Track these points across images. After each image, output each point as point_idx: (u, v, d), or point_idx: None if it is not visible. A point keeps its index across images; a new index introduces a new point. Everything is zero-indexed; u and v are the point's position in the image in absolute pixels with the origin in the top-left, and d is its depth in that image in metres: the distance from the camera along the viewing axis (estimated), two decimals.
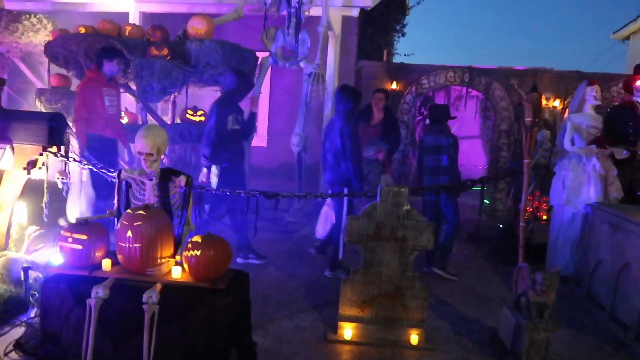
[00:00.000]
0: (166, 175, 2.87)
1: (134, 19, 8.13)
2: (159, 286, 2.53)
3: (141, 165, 2.87)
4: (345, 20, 7.92)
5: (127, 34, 5.99)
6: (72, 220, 3.94)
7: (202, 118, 6.22)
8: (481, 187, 4.59)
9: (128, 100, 7.61)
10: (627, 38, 14.40)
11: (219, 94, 6.64)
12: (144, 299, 2.44)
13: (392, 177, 6.91)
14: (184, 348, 2.55)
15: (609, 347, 3.51)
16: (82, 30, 5.90)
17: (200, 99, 7.15)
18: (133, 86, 6.07)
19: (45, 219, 3.94)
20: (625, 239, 3.73)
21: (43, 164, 3.76)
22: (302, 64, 6.73)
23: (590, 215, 4.43)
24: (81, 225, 2.72)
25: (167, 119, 6.71)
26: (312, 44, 6.72)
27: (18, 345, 2.88)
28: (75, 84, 6.61)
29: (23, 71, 7.48)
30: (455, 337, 3.54)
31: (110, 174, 3.96)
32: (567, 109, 7.57)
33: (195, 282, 2.63)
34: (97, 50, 5.31)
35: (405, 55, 12.34)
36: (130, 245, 2.57)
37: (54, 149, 3.78)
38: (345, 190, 4.55)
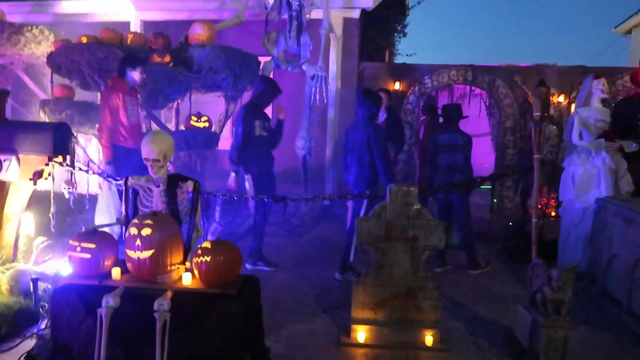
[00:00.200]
0: (173, 182, 2.84)
1: (135, 27, 8.15)
2: (169, 294, 2.50)
3: (149, 172, 2.84)
4: (346, 22, 7.92)
5: (129, 42, 6.00)
6: None
7: (207, 124, 6.21)
8: (491, 184, 4.56)
9: None
10: (629, 32, 14.34)
11: (222, 100, 6.67)
12: (155, 307, 2.41)
13: (398, 178, 6.88)
14: (196, 356, 2.51)
15: (627, 342, 3.45)
16: (84, 40, 5.91)
17: (204, 105, 7.14)
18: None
19: (53, 230, 3.92)
20: (639, 233, 3.67)
21: (49, 174, 3.75)
22: (304, 67, 6.71)
23: (602, 210, 4.37)
24: (89, 234, 2.70)
25: (171, 126, 6.69)
26: (314, 47, 6.70)
27: (29, 357, 2.85)
28: (79, 94, 6.63)
29: (26, 83, 7.51)
30: (471, 337, 3.49)
31: (118, 182, 3.94)
32: (573, 104, 7.53)
33: (206, 289, 2.60)
34: (101, 60, 5.34)
35: (407, 55, 12.33)
36: (139, 253, 2.55)
37: (60, 158, 3.76)
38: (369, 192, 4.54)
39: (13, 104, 8.21)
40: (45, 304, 3.27)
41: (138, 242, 2.54)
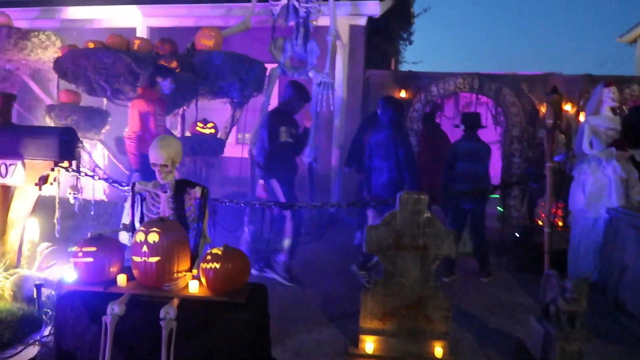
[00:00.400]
0: (181, 187, 2.80)
1: (142, 33, 8.17)
2: (176, 301, 2.45)
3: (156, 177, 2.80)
4: (353, 29, 7.91)
5: (136, 47, 6.00)
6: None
7: (212, 130, 6.18)
8: (501, 193, 4.53)
9: None
10: (634, 41, 14.29)
11: (228, 106, 6.65)
12: (161, 314, 2.36)
13: None
14: None
15: None
16: (91, 45, 5.90)
17: (210, 112, 7.12)
18: None
19: (57, 235, 3.88)
20: None
21: (54, 180, 3.71)
22: (311, 74, 6.69)
23: (614, 220, 4.31)
24: (91, 239, 2.65)
25: (177, 132, 6.67)
26: (321, 54, 6.68)
27: None
28: (85, 99, 6.63)
29: (32, 88, 7.51)
30: (481, 349, 3.42)
31: (123, 188, 3.91)
32: (581, 112, 7.49)
33: (213, 297, 2.54)
34: (107, 65, 5.33)
35: (413, 63, 12.32)
36: (146, 260, 2.50)
37: (66, 163, 3.73)
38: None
39: (19, 109, 8.21)
40: (49, 310, 3.22)
41: (145, 248, 2.49)
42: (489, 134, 9.99)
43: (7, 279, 3.56)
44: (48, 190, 3.73)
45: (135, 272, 2.57)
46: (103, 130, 6.70)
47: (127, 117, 8.00)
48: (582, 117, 7.37)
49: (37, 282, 3.37)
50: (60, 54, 6.22)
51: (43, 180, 3.64)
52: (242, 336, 2.52)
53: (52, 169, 3.66)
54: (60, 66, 5.95)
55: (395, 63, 10.16)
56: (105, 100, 6.44)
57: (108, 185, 5.00)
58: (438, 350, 3.20)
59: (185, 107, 6.58)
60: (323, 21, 6.86)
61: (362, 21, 7.88)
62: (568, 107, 7.85)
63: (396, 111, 4.70)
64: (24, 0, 9.15)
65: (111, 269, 2.62)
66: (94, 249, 2.57)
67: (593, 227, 4.62)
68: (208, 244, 2.89)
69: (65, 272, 2.82)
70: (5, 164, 3.65)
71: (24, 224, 3.85)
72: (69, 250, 2.99)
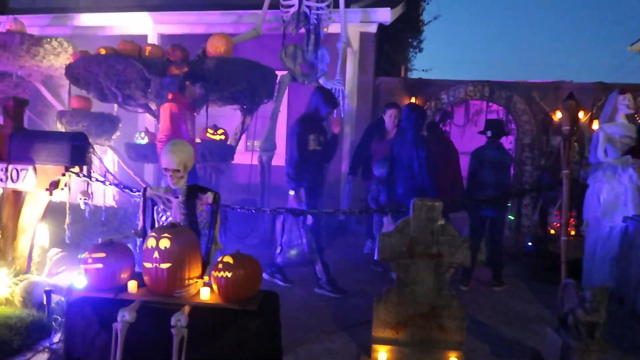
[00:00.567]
0: (193, 192, 2.77)
1: (153, 40, 8.21)
2: (187, 308, 2.41)
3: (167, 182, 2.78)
4: (363, 36, 7.90)
5: (147, 54, 6.00)
6: None
7: (223, 137, 6.16)
8: (517, 201, 4.48)
9: (148, 120, 7.62)
10: None
11: (238, 113, 6.64)
12: (172, 322, 2.32)
13: None
14: None
15: None
16: (103, 52, 5.92)
17: (220, 118, 7.12)
18: (153, 106, 6.06)
19: (68, 241, 3.86)
20: None
21: (65, 185, 3.70)
22: (321, 81, 6.67)
23: (631, 229, 4.22)
24: (101, 245, 2.62)
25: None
26: (331, 61, 6.67)
27: None
28: (95, 105, 6.64)
29: (44, 95, 7.55)
30: None
31: (134, 194, 3.89)
32: (594, 120, 7.40)
33: (225, 304, 2.50)
34: (119, 71, 5.33)
35: (423, 70, 12.28)
36: (157, 266, 2.47)
37: (77, 169, 3.72)
38: None
39: (30, 115, 8.27)
40: (58, 317, 3.19)
41: (156, 254, 2.46)
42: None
43: (17, 284, 3.55)
44: (59, 195, 3.72)
45: (146, 278, 2.54)
46: (113, 137, 6.71)
47: (137, 123, 8.07)
48: (595, 125, 7.28)
49: (46, 289, 3.35)
50: (72, 60, 6.25)
51: (54, 185, 3.63)
52: (254, 344, 2.47)
53: (63, 174, 3.66)
54: (72, 72, 5.97)
55: (405, 70, 10.14)
56: (115, 107, 6.45)
57: (118, 191, 4.99)
58: None
59: (195, 113, 6.58)
60: (334, 28, 6.86)
61: (373, 28, 7.87)
62: (580, 115, 7.76)
63: (419, 119, 4.71)
64: (37, 7, 9.27)
65: (122, 275, 2.59)
66: (104, 254, 2.54)
67: (609, 236, 4.53)
68: (219, 250, 2.85)
69: (75, 278, 2.80)
70: (17, 169, 3.66)
71: (35, 230, 3.84)
72: (79, 256, 2.96)
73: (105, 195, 4.62)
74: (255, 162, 6.61)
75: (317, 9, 6.33)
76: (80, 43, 7.18)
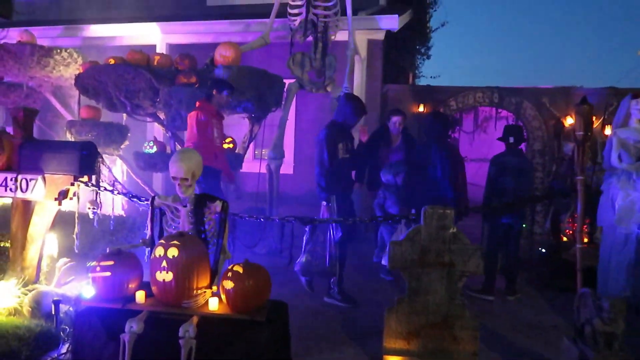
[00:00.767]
0: (201, 201, 2.75)
1: (161, 50, 8.25)
2: (195, 319, 2.38)
3: (176, 191, 2.75)
4: (371, 43, 7.89)
5: (156, 63, 6.04)
6: None
7: (231, 145, 6.16)
8: (528, 208, 4.41)
9: (156, 130, 7.65)
10: None
11: (246, 121, 6.64)
12: (181, 333, 2.29)
13: None
14: None
15: None
16: (112, 61, 5.96)
17: (228, 127, 7.11)
18: (161, 115, 6.07)
19: (76, 251, 3.85)
20: None
21: (74, 194, 3.69)
22: (329, 89, 6.66)
23: None
24: (109, 254, 2.60)
25: None
26: (339, 68, 6.65)
27: None
28: (104, 115, 6.68)
29: (54, 105, 7.62)
30: None
31: (142, 203, 3.87)
32: (606, 126, 7.31)
33: (233, 314, 2.47)
34: (127, 81, 5.36)
35: (431, 77, 12.25)
36: (165, 275, 2.44)
37: (85, 178, 3.71)
38: None
39: (40, 125, 8.35)
40: (67, 327, 3.17)
41: (164, 263, 2.44)
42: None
43: (26, 294, 3.54)
44: (67, 205, 3.72)
45: (154, 288, 2.51)
46: (122, 146, 6.74)
47: (145, 132, 8.10)
48: (607, 131, 7.19)
49: (55, 299, 3.33)
50: (81, 71, 6.30)
51: (63, 195, 3.62)
52: (263, 355, 2.43)
53: (72, 184, 3.65)
54: (81, 82, 6.02)
55: (413, 77, 10.11)
56: (124, 116, 6.48)
57: (126, 201, 4.99)
58: None
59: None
60: (341, 36, 6.84)
61: (380, 36, 7.86)
62: (592, 120, 7.68)
63: (443, 127, 4.74)
64: (48, 19, 9.38)
65: (130, 285, 2.56)
66: (112, 264, 2.52)
67: (625, 243, 4.43)
68: (228, 259, 2.82)
69: (84, 288, 2.78)
70: (26, 179, 3.65)
71: (44, 239, 3.84)
72: (87, 265, 2.94)
73: (114, 205, 4.61)
74: (264, 170, 6.59)
75: (325, 16, 6.33)
76: (90, 53, 7.25)
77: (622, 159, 4.51)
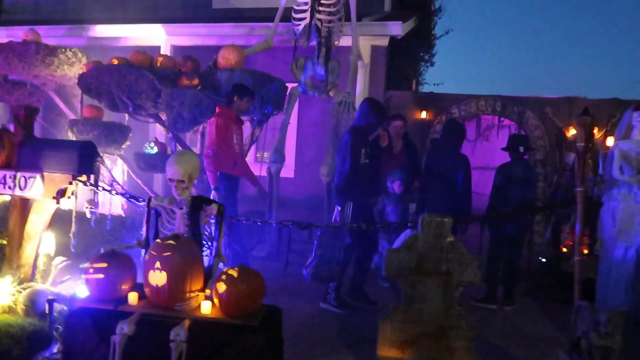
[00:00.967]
0: (197, 204, 2.74)
1: (165, 51, 8.28)
2: (187, 322, 2.36)
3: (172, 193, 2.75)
4: (375, 49, 7.90)
5: (158, 64, 6.05)
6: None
7: None
8: (530, 217, 4.42)
9: (158, 131, 7.66)
10: None
11: (248, 124, 6.63)
12: (172, 336, 2.27)
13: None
14: None
15: None
16: (115, 62, 5.97)
17: None
18: (163, 116, 6.08)
19: (73, 250, 3.84)
20: None
21: (72, 193, 3.69)
22: (331, 93, 6.65)
23: None
24: (103, 255, 2.59)
25: (196, 150, 6.67)
26: (342, 74, 6.66)
27: None
28: (107, 115, 6.68)
29: (57, 104, 7.63)
30: None
31: (139, 204, 3.87)
32: (609, 137, 7.28)
33: (226, 319, 2.44)
34: (130, 82, 5.34)
35: (434, 84, 12.27)
36: (158, 278, 2.42)
37: (84, 177, 3.71)
38: None
39: (43, 123, 8.37)
40: (60, 326, 3.15)
41: (157, 265, 2.42)
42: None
43: (21, 292, 3.53)
44: (65, 204, 3.71)
45: (147, 290, 2.50)
46: (123, 146, 6.74)
47: (148, 133, 8.11)
48: (609, 142, 7.16)
49: (49, 297, 3.32)
50: (84, 70, 6.31)
51: (61, 193, 3.62)
52: None
53: (70, 183, 3.65)
54: (84, 82, 6.03)
55: (416, 84, 10.11)
56: (126, 116, 6.49)
57: (126, 201, 4.98)
58: None
59: (205, 125, 6.59)
60: (345, 41, 6.84)
61: (384, 42, 7.86)
62: (595, 131, 7.65)
63: (460, 136, 4.80)
64: (54, 18, 9.42)
65: (122, 287, 2.55)
66: (105, 265, 2.51)
67: (624, 256, 4.39)
68: (223, 263, 2.80)
69: (79, 288, 2.77)
70: (25, 177, 3.65)
71: (40, 238, 3.83)
72: (80, 266, 2.93)
73: (112, 205, 4.61)
74: (264, 173, 6.58)
75: (329, 22, 6.33)
76: (95, 54, 7.26)
77: (624, 171, 4.48)
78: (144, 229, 2.83)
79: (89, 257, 3.24)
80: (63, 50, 6.72)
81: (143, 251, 2.81)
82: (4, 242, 3.94)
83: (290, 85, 6.63)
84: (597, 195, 5.69)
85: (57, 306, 3.35)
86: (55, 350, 3.05)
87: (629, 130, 4.62)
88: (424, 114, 8.23)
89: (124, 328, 2.28)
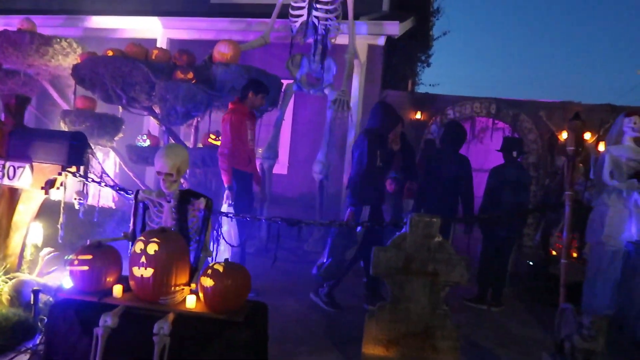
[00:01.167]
0: (185, 198, 2.73)
1: (162, 45, 8.24)
2: (171, 316, 2.35)
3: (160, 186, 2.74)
4: (371, 48, 7.89)
5: (153, 57, 6.02)
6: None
7: None
8: (522, 220, 4.48)
9: (151, 123, 7.63)
10: None
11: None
12: (155, 329, 2.26)
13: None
14: None
15: None
16: (110, 53, 5.94)
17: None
18: (156, 109, 6.05)
19: (60, 241, 3.82)
20: None
21: (61, 184, 3.67)
22: (326, 91, 6.65)
23: (634, 254, 4.13)
24: (88, 247, 2.58)
25: (189, 143, 6.65)
26: (338, 72, 6.65)
27: None
28: (100, 106, 6.64)
29: (51, 94, 7.59)
30: None
31: (129, 196, 3.85)
32: (601, 142, 7.32)
33: (210, 314, 2.44)
34: (124, 73, 5.32)
35: (430, 85, 12.28)
36: (144, 271, 2.41)
37: (73, 168, 3.69)
38: None
39: (37, 113, 8.32)
40: (45, 317, 3.14)
41: (143, 259, 2.41)
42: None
43: (7, 282, 3.51)
44: (54, 194, 3.69)
45: (132, 283, 2.49)
46: (116, 138, 6.71)
47: (142, 125, 8.08)
48: (601, 147, 7.20)
49: (35, 288, 3.30)
50: (79, 61, 6.27)
51: (50, 184, 3.60)
52: (239, 357, 2.40)
53: (60, 174, 3.62)
54: (78, 72, 5.99)
55: (412, 84, 10.11)
56: (120, 108, 6.46)
57: (117, 193, 4.95)
58: None
59: (199, 119, 6.57)
60: (342, 39, 6.84)
61: (381, 41, 7.85)
62: (587, 136, 7.69)
63: (463, 139, 4.90)
64: (50, 8, 9.35)
65: (107, 279, 2.54)
66: (90, 257, 2.49)
67: (612, 260, 4.43)
68: (209, 257, 2.80)
69: (65, 279, 2.75)
70: (14, 167, 3.63)
71: (28, 228, 3.81)
72: (65, 258, 2.91)
73: (102, 196, 4.57)
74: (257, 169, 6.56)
75: (326, 19, 6.33)
76: (91, 45, 7.21)
77: (614, 176, 4.51)
78: (132, 221, 2.82)
79: (76, 249, 3.23)
80: (58, 40, 6.68)
81: (131, 244, 2.80)
82: None
83: (285, 82, 6.62)
84: (587, 199, 5.73)
85: (43, 297, 3.34)
86: (38, 341, 3.04)
87: (620, 136, 4.66)
88: (419, 115, 8.24)
89: (107, 321, 2.27)
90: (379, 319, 3.12)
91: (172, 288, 2.46)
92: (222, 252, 4.23)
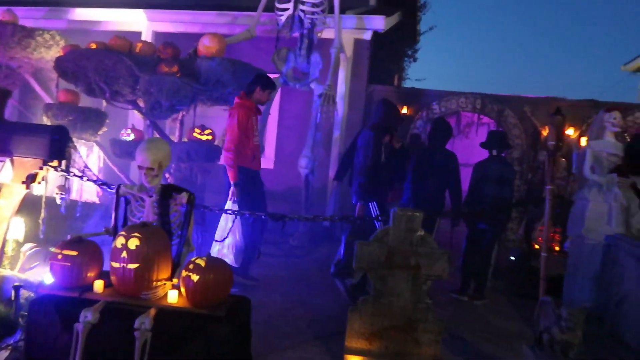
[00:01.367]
0: (167, 192, 2.72)
1: (147, 38, 8.16)
2: (153, 311, 2.35)
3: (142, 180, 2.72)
4: (357, 43, 7.89)
5: (138, 50, 5.95)
6: None
7: (210, 137, 6.10)
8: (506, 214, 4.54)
9: (136, 117, 7.56)
10: (638, 70, 14.29)
11: (227, 114, 6.59)
12: (136, 325, 2.26)
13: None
14: None
15: None
16: (93, 46, 5.86)
17: (208, 119, 7.06)
18: (141, 103, 5.99)
19: (42, 236, 3.78)
20: None
21: (43, 179, 3.62)
22: (312, 86, 6.65)
23: (613, 248, 4.20)
24: (73, 242, 2.56)
25: (174, 138, 6.60)
26: (324, 66, 6.64)
27: None
28: (84, 99, 6.56)
29: (33, 87, 7.46)
30: None
31: (111, 191, 3.82)
32: (583, 137, 7.42)
33: (192, 308, 2.44)
34: (108, 67, 5.25)
35: (416, 80, 12.32)
36: (125, 266, 2.41)
37: (55, 163, 3.64)
38: None
39: (19, 107, 8.18)
40: (26, 313, 3.11)
41: (124, 254, 2.40)
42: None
43: None
44: (35, 189, 3.65)
45: (113, 278, 2.48)
46: (100, 132, 6.63)
47: (126, 119, 7.99)
48: (584, 142, 7.30)
49: (16, 284, 3.27)
50: (62, 53, 6.18)
51: (31, 178, 3.55)
52: (221, 351, 2.41)
53: (41, 168, 3.58)
54: (60, 65, 5.90)
55: (398, 79, 10.14)
56: (104, 102, 6.38)
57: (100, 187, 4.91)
58: None
59: (184, 113, 6.52)
60: (328, 34, 6.83)
61: (367, 35, 7.86)
62: (570, 132, 7.79)
63: (450, 134, 4.98)
64: (32, 0, 9.18)
65: (88, 274, 2.52)
66: (71, 252, 2.48)
67: (591, 253, 4.50)
68: (192, 252, 2.79)
69: (47, 275, 2.73)
70: None
71: (9, 223, 3.76)
72: (48, 250, 2.88)
73: (85, 191, 4.53)
74: None
75: (312, 13, 6.32)
76: (75, 37, 7.09)
77: (595, 171, 4.59)
78: (113, 216, 2.80)
79: (57, 244, 3.20)
80: (40, 32, 6.56)
81: (112, 239, 2.78)
82: None
83: (272, 76, 6.59)
84: (569, 193, 5.81)
85: (24, 293, 3.30)
86: (19, 337, 3.01)
87: (601, 131, 4.73)
88: (405, 110, 8.26)
89: (88, 316, 2.26)
90: (362, 313, 3.14)
91: (154, 283, 2.45)
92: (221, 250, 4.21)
